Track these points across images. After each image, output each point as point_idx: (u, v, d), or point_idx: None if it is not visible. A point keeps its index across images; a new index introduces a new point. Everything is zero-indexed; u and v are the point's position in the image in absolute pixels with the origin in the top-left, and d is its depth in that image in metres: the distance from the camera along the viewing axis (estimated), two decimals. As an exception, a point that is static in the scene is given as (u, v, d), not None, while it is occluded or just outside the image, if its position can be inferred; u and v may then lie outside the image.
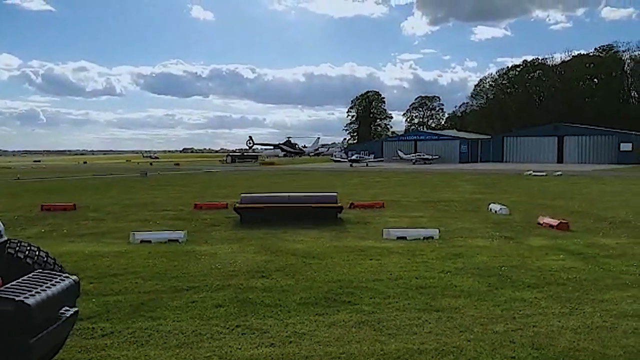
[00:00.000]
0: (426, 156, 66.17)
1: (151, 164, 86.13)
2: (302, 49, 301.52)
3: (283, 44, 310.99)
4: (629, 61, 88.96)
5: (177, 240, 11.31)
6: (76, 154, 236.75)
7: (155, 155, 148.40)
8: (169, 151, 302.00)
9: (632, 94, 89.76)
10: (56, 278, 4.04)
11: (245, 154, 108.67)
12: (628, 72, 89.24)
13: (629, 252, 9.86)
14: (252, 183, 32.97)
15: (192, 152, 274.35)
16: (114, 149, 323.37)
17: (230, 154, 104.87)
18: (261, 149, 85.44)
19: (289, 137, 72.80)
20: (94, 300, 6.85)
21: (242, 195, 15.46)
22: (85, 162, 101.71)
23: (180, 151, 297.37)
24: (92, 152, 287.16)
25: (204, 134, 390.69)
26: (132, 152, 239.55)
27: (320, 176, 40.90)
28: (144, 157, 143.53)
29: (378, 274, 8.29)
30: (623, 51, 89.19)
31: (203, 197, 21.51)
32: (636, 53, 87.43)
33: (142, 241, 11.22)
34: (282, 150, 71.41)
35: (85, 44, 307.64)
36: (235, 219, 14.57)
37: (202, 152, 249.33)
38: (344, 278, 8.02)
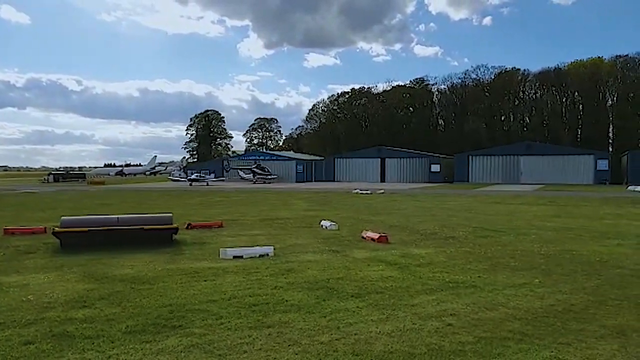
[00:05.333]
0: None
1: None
2: (134, 62, 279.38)
3: (113, 56, 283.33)
4: (437, 93, 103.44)
5: (-24, 273, 9.74)
6: None
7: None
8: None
9: (440, 122, 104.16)
10: None
11: (71, 172, 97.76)
12: (436, 103, 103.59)
13: (435, 260, 11.40)
14: (79, 205, 29.84)
15: (5, 170, 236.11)
16: None
17: (53, 172, 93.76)
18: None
19: (258, 163, 68.36)
20: None
21: (63, 218, 13.96)
22: None
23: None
24: None
25: (20, 150, 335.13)
26: None
27: (157, 196, 38.83)
28: None
29: (212, 295, 8.23)
30: (432, 84, 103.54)
31: (16, 222, 18.82)
32: (442, 86, 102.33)
33: None
34: (255, 173, 65.40)
35: None
36: (55, 245, 13.09)
37: (19, 171, 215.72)
38: (176, 302, 7.80)
